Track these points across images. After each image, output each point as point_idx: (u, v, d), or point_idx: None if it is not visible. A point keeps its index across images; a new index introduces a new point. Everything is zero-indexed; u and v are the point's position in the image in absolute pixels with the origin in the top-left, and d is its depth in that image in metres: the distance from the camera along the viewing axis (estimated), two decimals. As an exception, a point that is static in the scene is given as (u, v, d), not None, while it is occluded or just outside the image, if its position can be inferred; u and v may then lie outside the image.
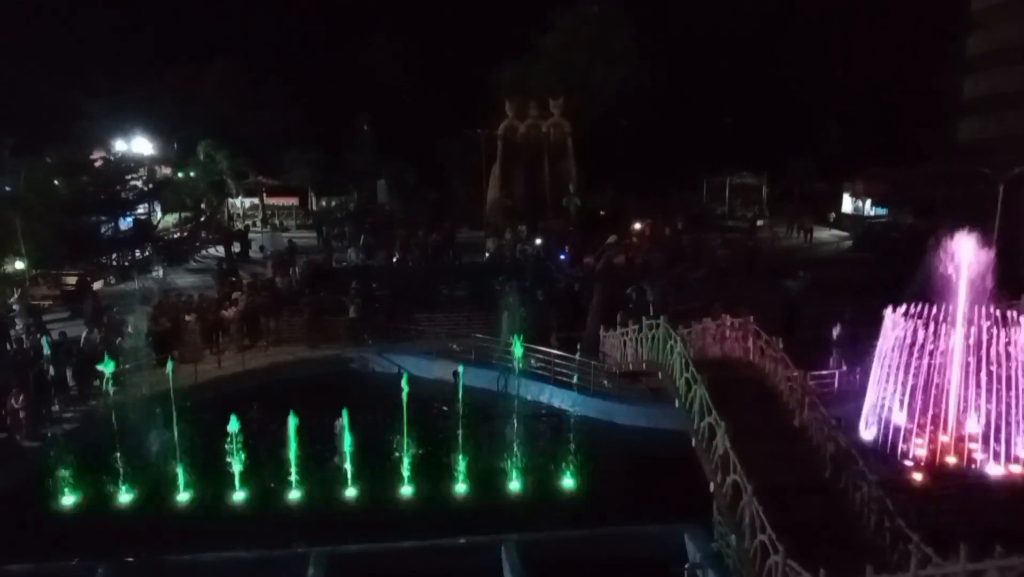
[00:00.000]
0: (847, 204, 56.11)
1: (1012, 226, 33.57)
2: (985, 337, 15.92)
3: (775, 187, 59.19)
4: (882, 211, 52.32)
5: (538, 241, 41.87)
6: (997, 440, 15.54)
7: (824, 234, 51.83)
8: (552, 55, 62.79)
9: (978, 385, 15.98)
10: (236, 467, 18.02)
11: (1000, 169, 34.49)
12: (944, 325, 16.30)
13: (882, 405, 17.03)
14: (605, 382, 23.50)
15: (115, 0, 68.78)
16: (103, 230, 44.05)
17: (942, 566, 9.06)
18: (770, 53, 61.31)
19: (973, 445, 15.88)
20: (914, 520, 10.55)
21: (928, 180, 48.61)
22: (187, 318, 26.16)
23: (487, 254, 41.78)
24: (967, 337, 16.05)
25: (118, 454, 18.02)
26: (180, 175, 56.88)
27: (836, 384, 21.29)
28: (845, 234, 51.34)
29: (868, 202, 53.89)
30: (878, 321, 17.72)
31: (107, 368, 18.34)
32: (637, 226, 42.69)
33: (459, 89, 63.40)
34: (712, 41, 61.82)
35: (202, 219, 55.27)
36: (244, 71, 65.23)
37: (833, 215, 54.36)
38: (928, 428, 16.19)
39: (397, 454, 18.63)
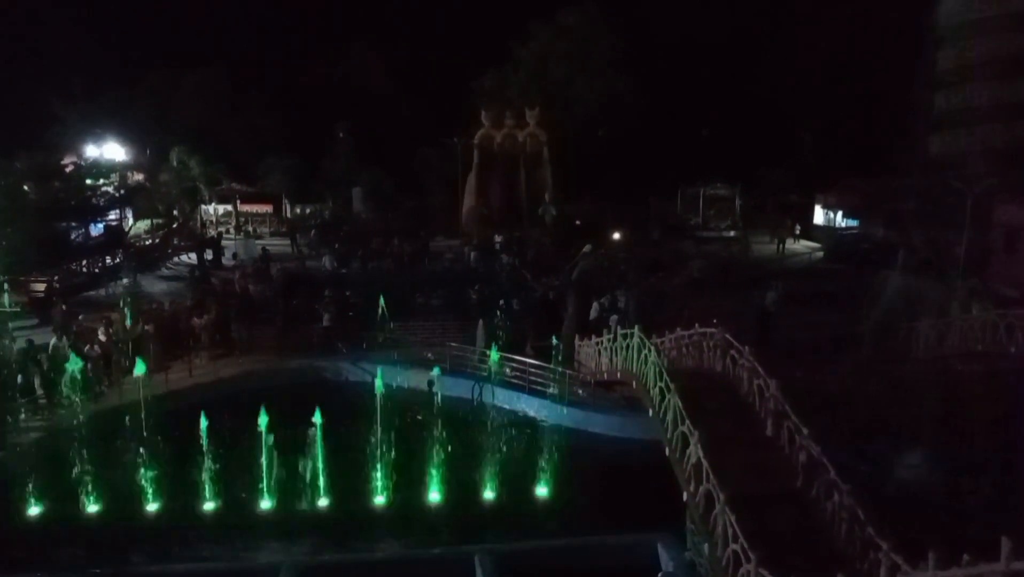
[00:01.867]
0: (819, 215, 56.69)
1: (981, 239, 34.10)
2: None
3: (748, 198, 59.67)
4: (853, 223, 52.90)
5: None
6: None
7: (796, 245, 52.32)
8: (532, 65, 63.07)
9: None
10: (205, 477, 17.81)
11: (971, 182, 35.02)
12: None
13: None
14: (580, 391, 23.53)
15: (92, 5, 68.23)
16: (73, 236, 43.45)
17: (911, 574, 9.16)
18: (747, 66, 61.97)
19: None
20: (884, 529, 10.64)
21: (900, 192, 49.26)
22: (146, 328, 25.73)
23: (467, 260, 41.91)
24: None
25: (85, 464, 17.73)
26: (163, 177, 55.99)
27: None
28: (817, 245, 51.87)
29: (840, 214, 54.48)
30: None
31: (73, 366, 18.10)
32: (616, 236, 42.84)
33: (438, 98, 63.54)
34: (690, 53, 62.37)
35: (174, 226, 54.68)
36: (222, 77, 64.75)
37: (799, 228, 54.67)
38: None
39: (370, 463, 18.51)
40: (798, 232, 53.97)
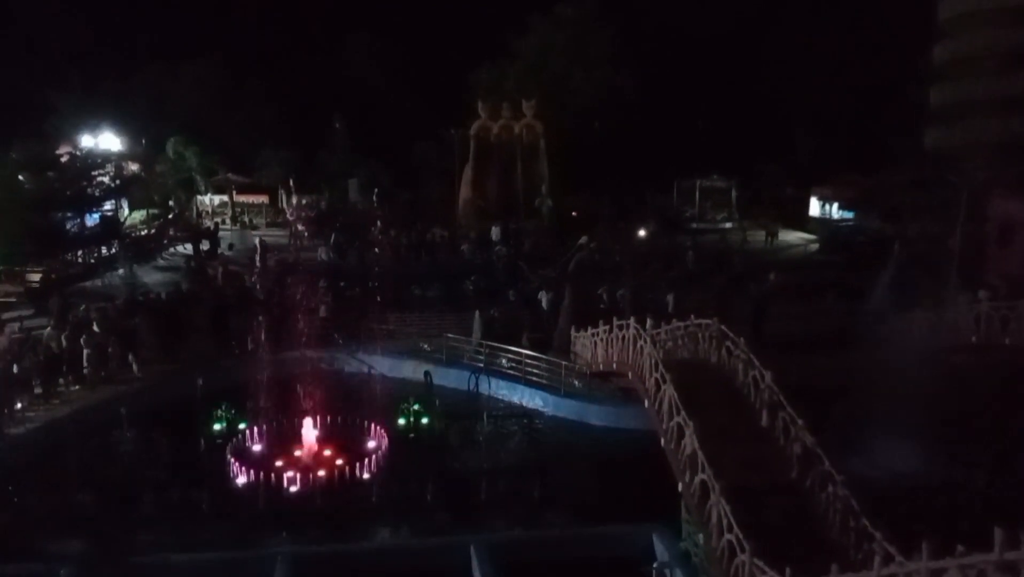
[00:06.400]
0: (815, 207, 56.80)
1: (976, 232, 34.07)
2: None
3: (745, 191, 59.71)
4: (849, 215, 53.01)
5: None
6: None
7: (790, 236, 52.39)
8: (529, 58, 62.99)
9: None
10: (202, 468, 17.83)
11: (966, 176, 35.08)
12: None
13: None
14: (576, 382, 23.57)
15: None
16: (69, 227, 43.30)
17: (904, 564, 9.22)
18: (744, 59, 61.99)
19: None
20: (878, 519, 10.71)
21: (895, 185, 49.35)
22: (140, 319, 25.61)
23: (464, 252, 41.94)
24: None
25: (81, 454, 17.72)
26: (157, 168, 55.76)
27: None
28: (812, 237, 51.99)
29: (835, 206, 54.58)
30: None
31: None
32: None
33: (436, 91, 63.44)
34: (688, 47, 62.37)
35: (170, 216, 54.56)
36: (219, 68, 64.58)
37: (779, 226, 54.39)
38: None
39: (367, 453, 18.53)
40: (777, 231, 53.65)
